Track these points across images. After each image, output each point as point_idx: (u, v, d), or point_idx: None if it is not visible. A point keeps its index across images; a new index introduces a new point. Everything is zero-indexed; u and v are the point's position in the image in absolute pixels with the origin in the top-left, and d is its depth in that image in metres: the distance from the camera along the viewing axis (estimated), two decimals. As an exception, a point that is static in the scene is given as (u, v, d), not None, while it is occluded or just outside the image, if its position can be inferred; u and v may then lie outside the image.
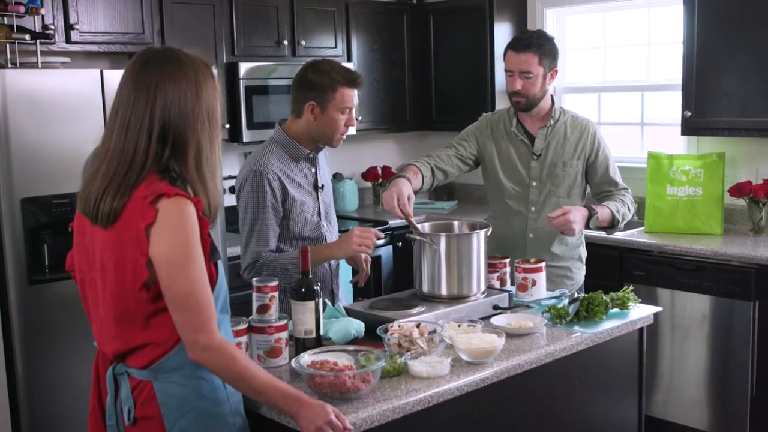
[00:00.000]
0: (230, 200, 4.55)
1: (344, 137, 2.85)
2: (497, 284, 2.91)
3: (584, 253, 3.37)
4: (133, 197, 1.83)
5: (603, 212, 3.10)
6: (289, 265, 2.71)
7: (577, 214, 2.96)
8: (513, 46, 3.17)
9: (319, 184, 2.90)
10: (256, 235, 2.74)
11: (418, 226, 2.81)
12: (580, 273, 3.34)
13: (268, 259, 2.73)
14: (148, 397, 1.89)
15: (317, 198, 2.88)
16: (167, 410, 1.88)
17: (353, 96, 2.77)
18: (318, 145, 2.86)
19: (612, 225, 3.16)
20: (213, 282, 1.89)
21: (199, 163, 1.89)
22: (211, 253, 1.87)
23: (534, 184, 3.22)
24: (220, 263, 1.95)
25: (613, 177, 3.26)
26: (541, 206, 3.21)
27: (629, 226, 3.92)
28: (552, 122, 3.22)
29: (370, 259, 2.90)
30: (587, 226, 3.06)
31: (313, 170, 2.90)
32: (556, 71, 3.20)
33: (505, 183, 3.27)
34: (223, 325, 1.97)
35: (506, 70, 3.18)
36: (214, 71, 2.01)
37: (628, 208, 3.21)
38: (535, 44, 3.12)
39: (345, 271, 3.17)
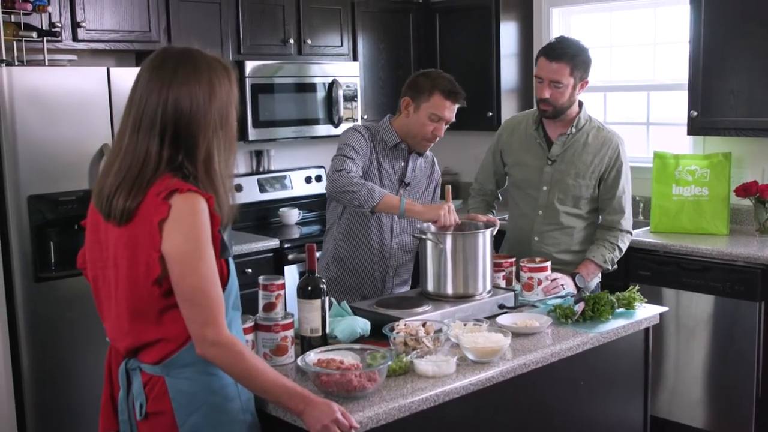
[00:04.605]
0: (239, 198, 4.58)
1: (430, 145, 2.97)
2: (503, 283, 2.91)
3: None
4: (148, 195, 1.83)
5: (587, 269, 3.12)
6: (377, 191, 2.72)
7: (566, 280, 3.01)
8: (546, 53, 3.09)
9: (406, 180, 2.98)
10: (348, 158, 2.82)
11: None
12: None
13: (357, 177, 2.76)
14: (159, 392, 1.89)
15: (397, 193, 2.93)
16: (179, 406, 1.88)
17: (446, 108, 2.88)
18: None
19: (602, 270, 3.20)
20: (224, 279, 1.89)
21: (209, 169, 1.87)
22: (221, 249, 1.87)
23: (544, 188, 3.19)
24: (231, 260, 1.95)
25: (615, 203, 3.17)
26: (547, 211, 3.19)
27: (635, 226, 3.90)
28: (573, 130, 3.16)
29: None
30: (577, 286, 3.05)
31: (403, 164, 2.98)
32: (587, 82, 3.13)
33: (519, 185, 3.27)
34: (234, 322, 1.97)
35: (536, 76, 3.11)
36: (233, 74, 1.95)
37: (619, 249, 3.17)
38: (569, 55, 3.05)
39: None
